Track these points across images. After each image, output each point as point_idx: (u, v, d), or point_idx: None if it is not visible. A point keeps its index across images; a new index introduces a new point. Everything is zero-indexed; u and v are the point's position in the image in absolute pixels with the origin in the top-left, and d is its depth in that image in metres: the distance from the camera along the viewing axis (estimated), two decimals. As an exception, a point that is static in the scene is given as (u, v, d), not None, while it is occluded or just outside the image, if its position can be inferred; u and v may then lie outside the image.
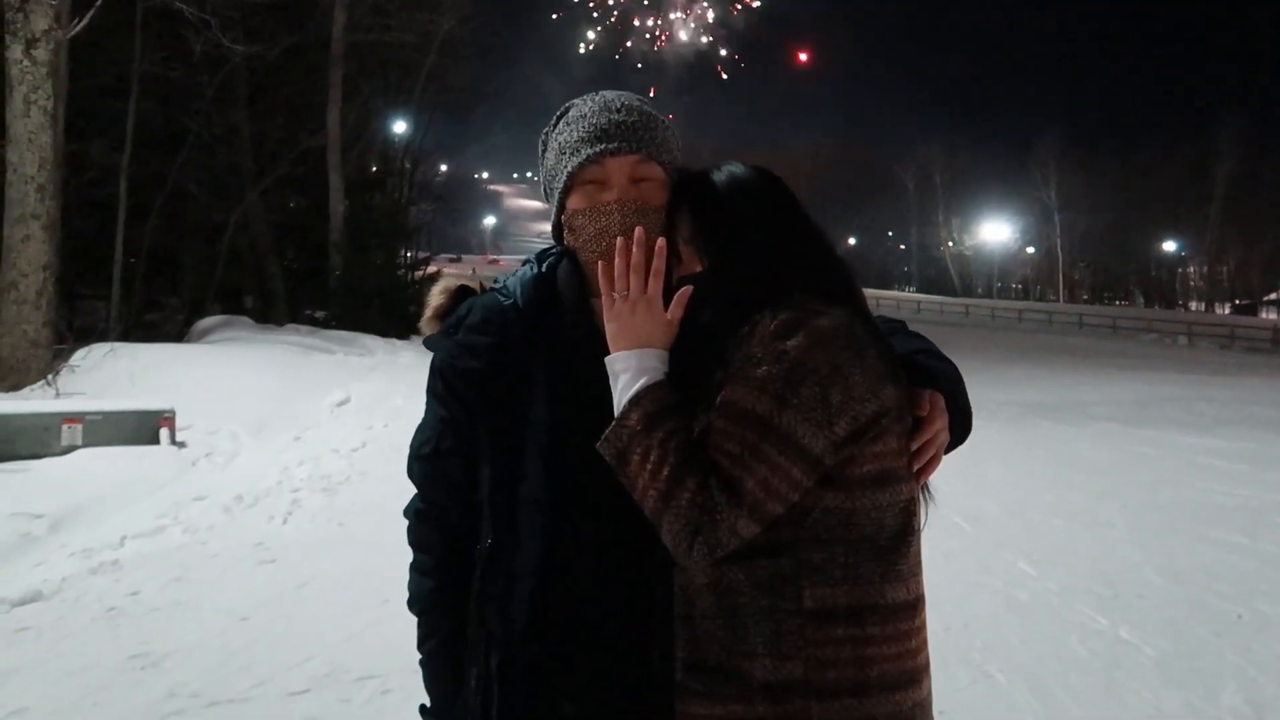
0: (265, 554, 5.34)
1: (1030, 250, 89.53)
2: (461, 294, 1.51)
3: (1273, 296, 72.96)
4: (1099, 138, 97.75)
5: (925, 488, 1.32)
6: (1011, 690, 3.57)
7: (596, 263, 1.31)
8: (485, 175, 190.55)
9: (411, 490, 1.50)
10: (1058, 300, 79.43)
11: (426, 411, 1.46)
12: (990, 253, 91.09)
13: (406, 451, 1.50)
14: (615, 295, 1.28)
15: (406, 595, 1.48)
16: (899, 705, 1.20)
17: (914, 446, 1.27)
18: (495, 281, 1.50)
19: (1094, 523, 6.27)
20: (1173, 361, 25.41)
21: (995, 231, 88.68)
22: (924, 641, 1.26)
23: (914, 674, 1.22)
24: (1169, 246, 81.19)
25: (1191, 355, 29.41)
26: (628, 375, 1.25)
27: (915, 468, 1.28)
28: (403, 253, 24.68)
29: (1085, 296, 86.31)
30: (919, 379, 1.32)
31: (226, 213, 19.35)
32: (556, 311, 1.41)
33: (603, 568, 1.34)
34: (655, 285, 1.27)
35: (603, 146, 1.35)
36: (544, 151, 1.46)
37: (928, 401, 1.29)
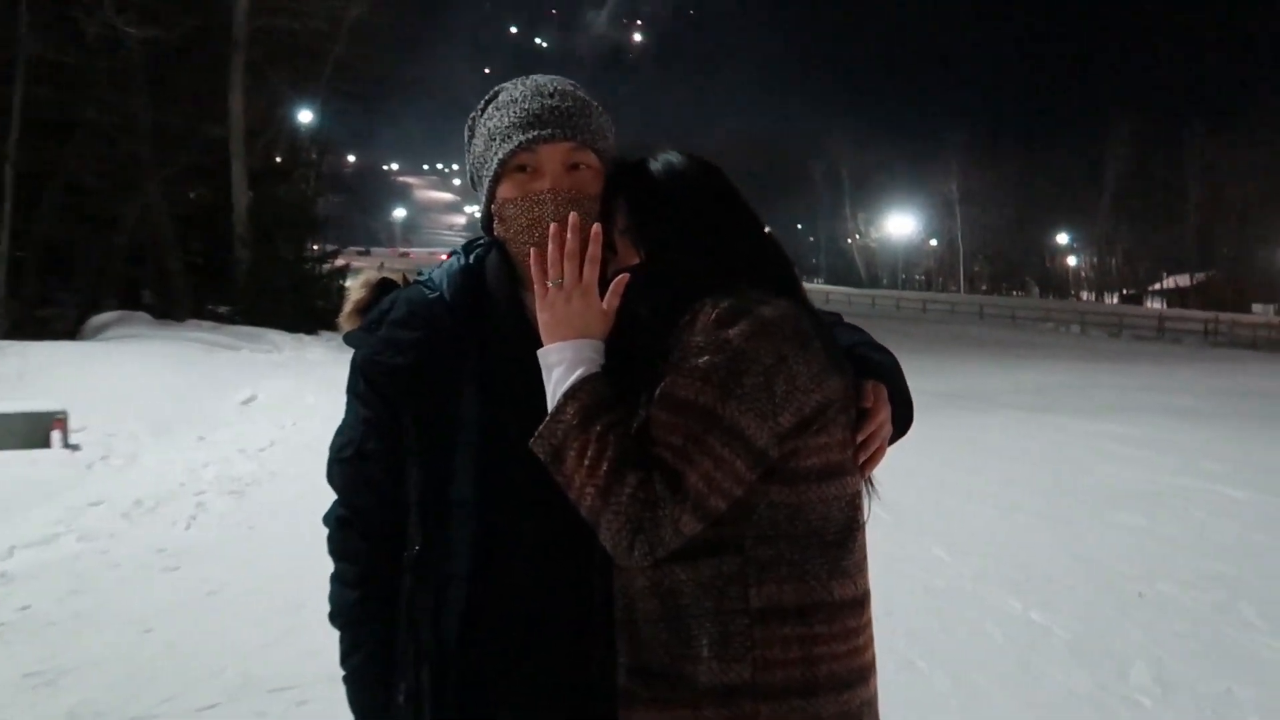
0: (169, 561, 5.10)
1: (933, 242, 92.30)
2: (383, 287, 1.43)
3: (1157, 287, 76.75)
4: (1000, 133, 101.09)
5: (869, 481, 1.30)
6: (933, 677, 3.64)
7: (529, 252, 1.25)
8: (395, 166, 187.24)
9: (330, 495, 1.41)
10: (959, 291, 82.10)
11: (347, 412, 1.38)
12: (895, 245, 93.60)
13: (318, 450, 1.41)
14: (549, 284, 1.22)
15: (327, 608, 1.40)
16: (847, 704, 1.18)
17: (859, 439, 1.24)
18: (419, 274, 1.42)
19: (1005, 507, 6.46)
20: (1068, 350, 26.51)
21: (900, 224, 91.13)
22: (870, 638, 1.24)
23: (862, 672, 1.20)
24: (1062, 239, 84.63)
25: (1084, 344, 30.70)
26: (562, 368, 1.19)
27: (860, 460, 1.25)
28: (310, 245, 23.96)
29: (984, 287, 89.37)
30: (861, 370, 1.30)
31: (125, 204, 18.50)
32: (485, 304, 1.34)
33: (539, 571, 1.29)
34: (591, 273, 1.21)
35: (535, 133, 1.28)
36: (471, 138, 1.39)
37: (871, 393, 1.27)
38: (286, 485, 6.80)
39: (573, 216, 1.22)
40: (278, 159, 25.94)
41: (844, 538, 1.21)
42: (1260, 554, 5.51)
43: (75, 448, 7.60)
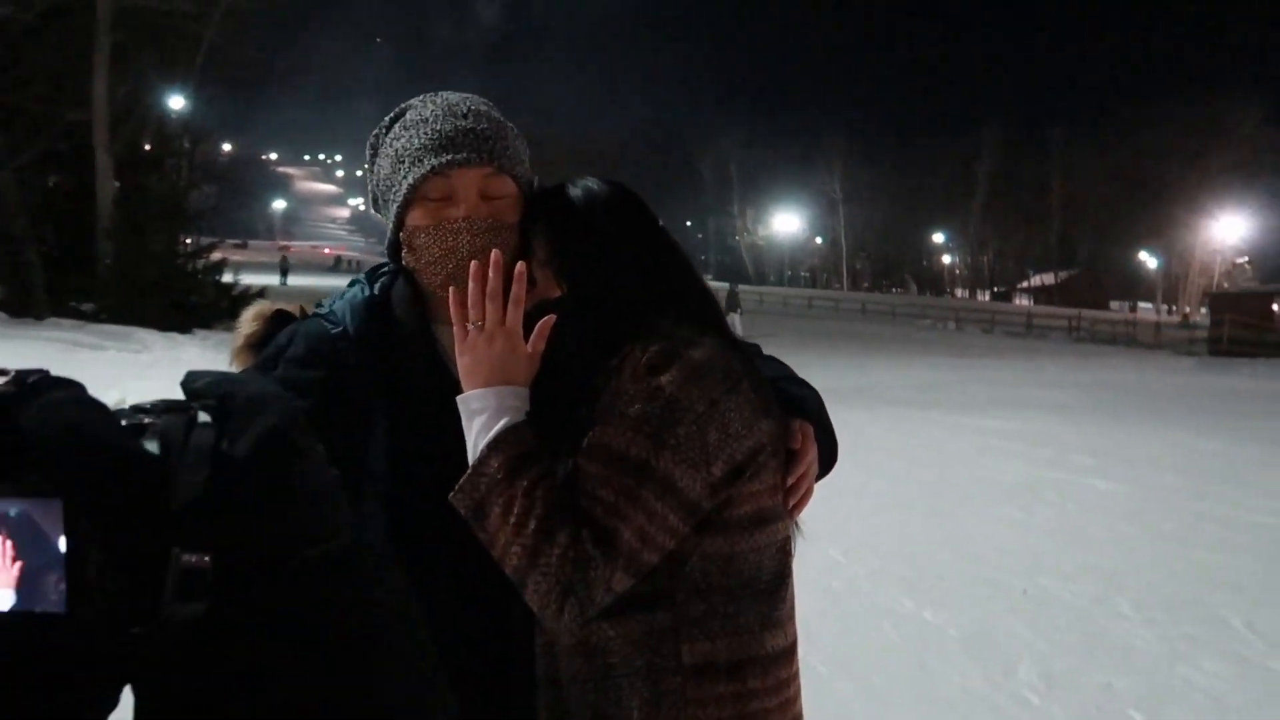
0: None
1: (818, 240, 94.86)
2: (279, 319, 1.30)
3: (1025, 284, 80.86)
4: (879, 136, 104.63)
5: (796, 523, 1.26)
6: (833, 681, 3.68)
7: (445, 287, 1.15)
8: (274, 156, 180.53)
9: None
10: (842, 288, 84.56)
11: None
12: (782, 242, 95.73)
13: None
14: (470, 325, 1.13)
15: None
16: None
17: (789, 482, 1.20)
18: (319, 305, 1.30)
19: (895, 505, 6.63)
20: (945, 345, 27.59)
21: (786, 222, 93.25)
22: (799, 688, 1.21)
23: None
24: (938, 238, 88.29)
25: (961, 339, 32.04)
26: (484, 416, 1.10)
27: (789, 504, 1.21)
28: (183, 239, 22.83)
29: (866, 284, 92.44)
30: (786, 408, 1.25)
31: (-29, 192, 17.19)
32: (393, 340, 1.24)
33: (455, 629, 1.19)
34: (515, 314, 1.13)
35: (449, 157, 1.19)
36: (374, 158, 1.28)
37: (799, 433, 1.23)
38: (159, 498, 6.42)
39: (495, 254, 1.13)
40: (146, 147, 24.59)
41: (776, 586, 1.17)
42: (1130, 545, 5.81)
43: (-82, 461, 6.99)
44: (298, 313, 1.31)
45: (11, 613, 0.47)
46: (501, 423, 1.09)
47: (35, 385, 0.49)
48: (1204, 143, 63.51)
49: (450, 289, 1.14)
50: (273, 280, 34.42)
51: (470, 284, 1.13)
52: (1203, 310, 48.24)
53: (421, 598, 1.17)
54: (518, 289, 1.13)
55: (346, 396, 1.19)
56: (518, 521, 1.04)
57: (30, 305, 17.92)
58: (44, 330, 14.84)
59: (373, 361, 1.22)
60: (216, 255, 22.50)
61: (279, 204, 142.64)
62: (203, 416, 0.53)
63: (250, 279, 24.36)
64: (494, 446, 1.08)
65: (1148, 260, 73.04)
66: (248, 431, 0.53)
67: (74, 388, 0.51)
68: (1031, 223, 79.03)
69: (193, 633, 0.48)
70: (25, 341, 13.03)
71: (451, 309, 1.13)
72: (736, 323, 25.34)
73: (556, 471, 1.10)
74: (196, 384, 0.56)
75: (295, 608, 0.52)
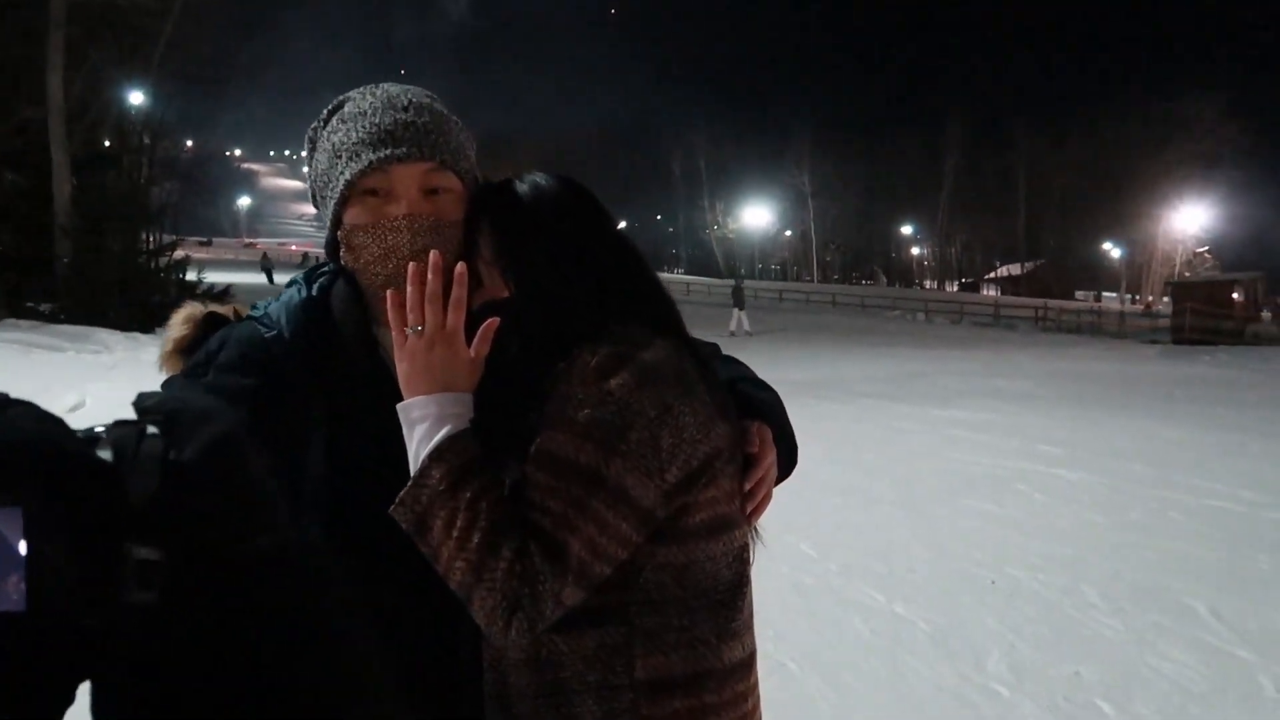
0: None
1: (788, 233, 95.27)
2: (210, 323, 1.24)
3: (992, 275, 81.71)
4: (847, 129, 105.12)
5: (754, 528, 1.22)
6: (804, 678, 3.65)
7: (383, 289, 1.10)
8: (238, 152, 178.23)
9: None
10: (813, 280, 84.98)
11: None
12: (752, 236, 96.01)
13: None
14: (408, 330, 1.07)
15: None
16: None
17: (746, 487, 1.16)
18: (254, 308, 1.24)
19: (866, 499, 6.63)
20: (915, 337, 27.76)
21: (756, 216, 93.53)
22: (758, 700, 1.17)
23: None
24: (907, 230, 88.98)
25: (930, 330, 32.25)
26: (426, 424, 1.05)
27: (748, 510, 1.17)
28: (144, 237, 22.43)
29: (836, 276, 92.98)
30: (744, 410, 1.21)
31: (-78, 191, 16.79)
32: (332, 344, 1.18)
33: (398, 644, 1.14)
34: (455, 318, 1.07)
35: (388, 151, 1.13)
36: (313, 151, 1.22)
37: (756, 436, 1.18)
38: (118, 503, 6.28)
39: (434, 255, 1.07)
40: (105, 144, 24.14)
41: (732, 595, 1.12)
42: (1097, 535, 5.84)
43: None
44: (231, 315, 1.25)
45: None
46: (443, 431, 1.04)
47: None
48: (1165, 135, 64.52)
49: (389, 293, 1.08)
50: (250, 279, 33.81)
51: (409, 287, 1.07)
52: (1165, 299, 48.95)
53: (365, 612, 1.12)
54: (458, 291, 1.07)
55: (282, 404, 1.13)
56: (461, 535, 0.99)
57: (-14, 306, 17.54)
58: (1, 332, 14.52)
59: (310, 367, 1.15)
60: (179, 254, 22.12)
61: (244, 201, 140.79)
62: (151, 429, 0.57)
63: (218, 277, 24.01)
64: (435, 457, 1.02)
65: (1111, 250, 74.06)
66: (194, 440, 0.58)
67: (31, 405, 0.57)
68: (997, 214, 79.87)
69: (146, 622, 0.53)
70: (-19, 344, 12.73)
71: (390, 313, 1.07)
72: (744, 320, 25.23)
73: (502, 482, 1.05)
74: (146, 403, 0.60)
75: (241, 597, 0.56)
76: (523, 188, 1.17)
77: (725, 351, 1.41)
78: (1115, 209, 67.82)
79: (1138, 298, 66.34)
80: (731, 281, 29.46)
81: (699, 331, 1.23)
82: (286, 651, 0.58)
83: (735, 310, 25.44)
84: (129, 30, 22.81)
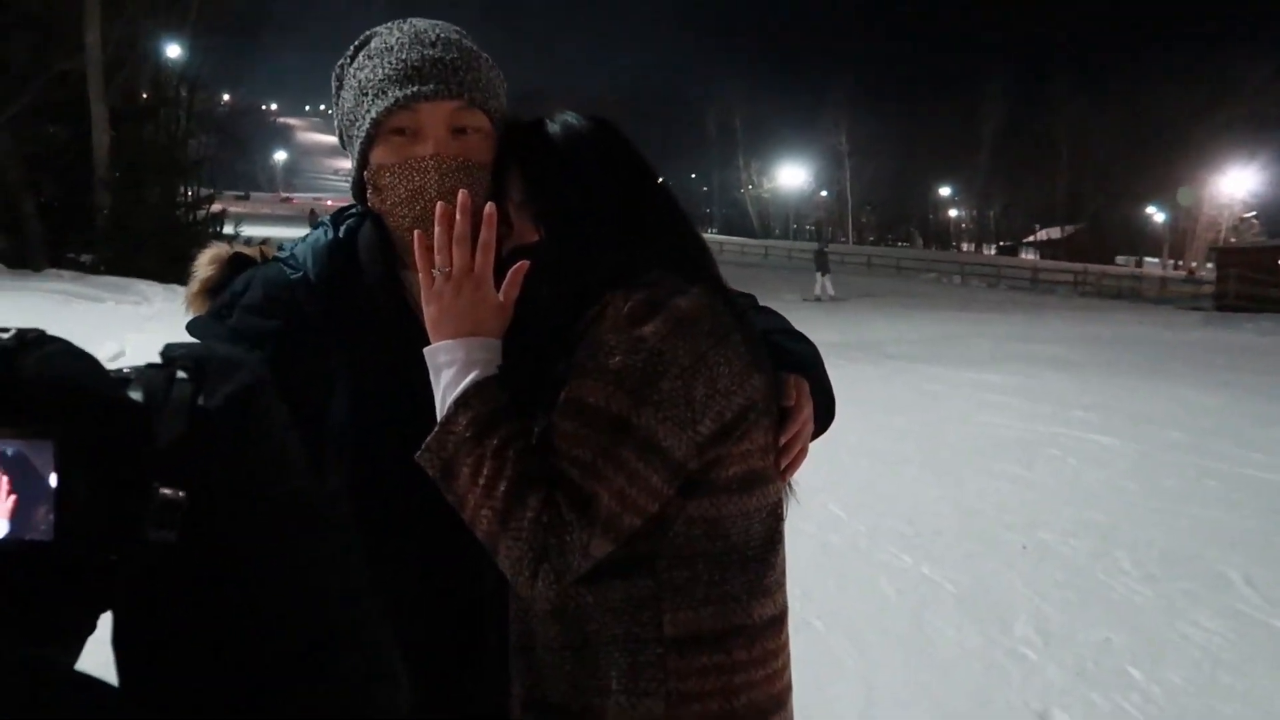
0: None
1: (824, 194, 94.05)
2: (236, 264, 1.23)
3: (1031, 239, 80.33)
4: (886, 87, 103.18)
5: (789, 485, 1.19)
6: (829, 637, 3.66)
7: (410, 231, 1.08)
8: (274, 107, 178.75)
9: None
10: (848, 241, 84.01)
11: None
12: (787, 196, 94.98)
13: None
14: (435, 272, 1.05)
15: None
16: None
17: (782, 441, 1.13)
18: (280, 250, 1.23)
19: (894, 461, 6.59)
20: (950, 300, 27.43)
21: (791, 175, 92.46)
22: (788, 658, 1.15)
23: (780, 696, 1.11)
24: (944, 191, 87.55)
25: (965, 294, 31.84)
26: (452, 370, 1.03)
27: (782, 465, 1.14)
28: (182, 190, 22.63)
29: (872, 238, 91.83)
30: (780, 363, 1.18)
31: (-35, 142, 16.99)
32: (358, 286, 1.17)
33: (424, 594, 1.14)
34: (484, 260, 1.05)
35: (415, 89, 1.09)
36: (339, 89, 1.19)
37: (793, 389, 1.16)
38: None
39: (462, 195, 1.05)
40: (143, 96, 24.27)
41: (765, 552, 1.10)
42: (1130, 501, 5.77)
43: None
44: (257, 256, 1.24)
45: (6, 540, 0.53)
46: (470, 377, 1.02)
47: (32, 340, 0.56)
48: (1212, 96, 62.61)
49: (416, 234, 1.05)
50: (287, 233, 33.95)
51: (436, 228, 1.04)
52: (1209, 265, 47.88)
53: (388, 560, 1.12)
54: (487, 233, 1.05)
55: (306, 346, 1.12)
56: (487, 483, 0.98)
57: (28, 257, 17.82)
58: (43, 282, 14.77)
59: (335, 309, 1.14)
60: (216, 207, 22.32)
61: (280, 155, 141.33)
62: (181, 374, 0.59)
63: (255, 230, 24.19)
64: (462, 403, 1.01)
65: (1154, 214, 72.42)
66: (222, 387, 0.60)
67: (65, 343, 0.58)
68: (1038, 177, 78.27)
69: (166, 558, 0.55)
70: (23, 293, 12.98)
71: (417, 255, 1.05)
72: (828, 285, 24.52)
73: (530, 430, 1.03)
74: (175, 352, 0.63)
75: (255, 541, 0.59)
76: (554, 128, 1.14)
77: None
78: (1159, 172, 66.16)
79: (1180, 263, 64.98)
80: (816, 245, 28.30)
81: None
82: (291, 595, 0.60)
83: (818, 275, 24.81)
84: (165, -19, 22.81)
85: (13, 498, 0.53)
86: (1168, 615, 4.02)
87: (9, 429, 0.53)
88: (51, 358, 0.56)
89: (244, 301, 1.15)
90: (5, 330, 0.56)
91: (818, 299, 23.49)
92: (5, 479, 0.54)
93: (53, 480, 0.53)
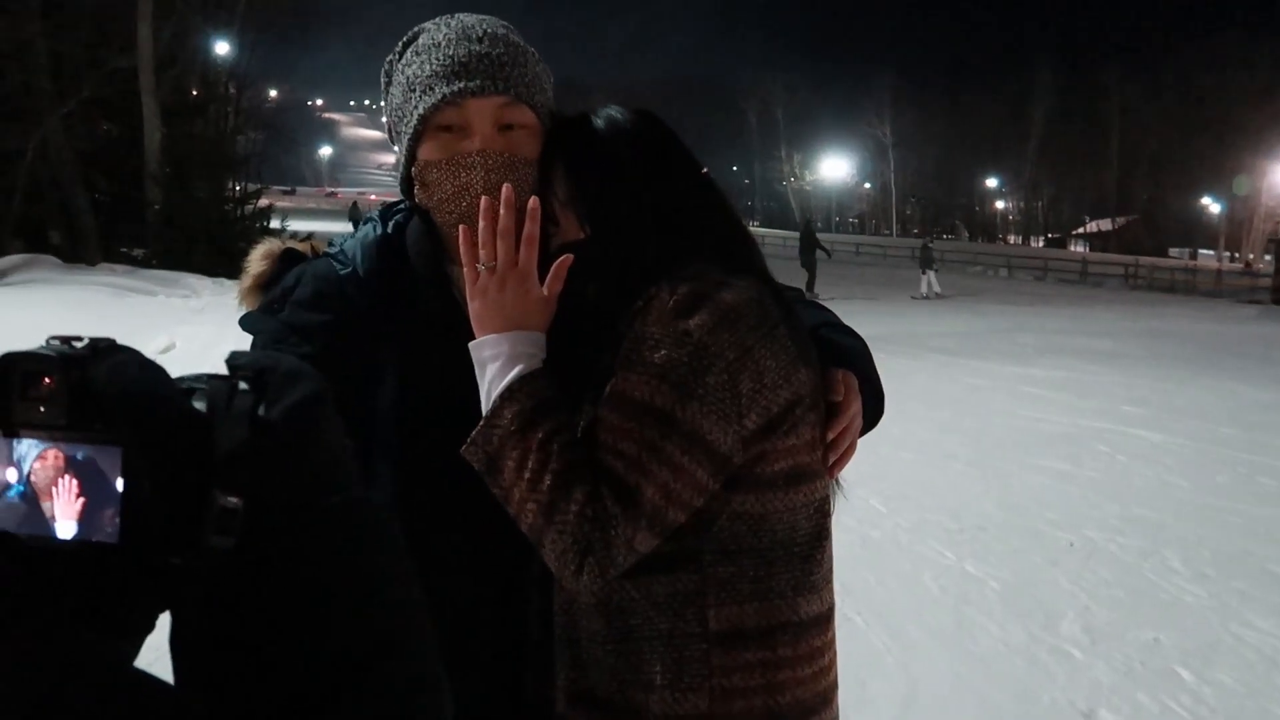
0: (79, 524, 4.84)
1: (866, 186, 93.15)
2: (287, 259, 1.25)
3: (1080, 231, 78.78)
4: (930, 77, 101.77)
5: (836, 481, 1.19)
6: (870, 633, 3.64)
7: (456, 226, 1.09)
8: (320, 102, 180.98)
9: None
10: (891, 234, 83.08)
11: None
12: (829, 188, 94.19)
13: None
14: (480, 267, 1.06)
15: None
16: None
17: (829, 437, 1.12)
18: (330, 245, 1.25)
19: (937, 455, 6.52)
20: (996, 293, 27.02)
21: (834, 167, 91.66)
22: (834, 656, 1.14)
23: (826, 694, 1.10)
24: (991, 183, 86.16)
25: (1012, 287, 31.35)
26: (497, 364, 1.04)
27: (830, 461, 1.14)
28: (230, 185, 23.02)
29: (915, 230, 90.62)
30: (828, 357, 1.17)
31: (22, 139, 17.42)
32: (406, 282, 1.18)
33: (469, 586, 1.15)
34: (528, 254, 1.06)
35: (462, 85, 1.10)
36: (388, 85, 1.20)
37: (841, 384, 1.15)
38: (206, 440, 6.52)
39: (506, 189, 1.06)
40: (193, 93, 24.73)
41: (812, 549, 1.09)
42: (1180, 499, 5.66)
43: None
44: (308, 252, 1.26)
45: (74, 541, 0.56)
46: (515, 371, 1.03)
47: (104, 349, 0.58)
48: (1270, 80, 60.86)
49: (460, 229, 1.07)
50: (332, 227, 34.40)
51: (480, 222, 1.05)
52: (1266, 257, 46.62)
53: (433, 552, 1.14)
54: (530, 227, 1.05)
55: (354, 341, 1.14)
56: (532, 477, 0.99)
57: (83, 251, 18.26)
58: (96, 275, 15.11)
59: (383, 304, 1.16)
60: (263, 201, 22.68)
61: (325, 150, 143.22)
62: (243, 385, 0.61)
63: (301, 225, 24.54)
64: (507, 397, 1.02)
65: (1210, 205, 70.64)
66: (282, 400, 0.61)
67: (135, 353, 0.61)
68: (1088, 167, 76.73)
69: (224, 563, 0.57)
70: (78, 287, 13.29)
71: (461, 250, 1.06)
72: (934, 281, 22.81)
73: (575, 423, 1.04)
74: (239, 361, 0.65)
75: (307, 548, 0.60)
76: (599, 122, 1.14)
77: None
78: (1215, 161, 64.50)
79: (1237, 255, 63.37)
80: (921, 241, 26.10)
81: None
82: (341, 604, 0.61)
83: (923, 273, 23.29)
84: (214, -21, 23.19)
85: (81, 500, 0.55)
86: (1220, 615, 3.94)
87: (81, 434, 0.55)
88: (122, 367, 0.58)
89: (295, 296, 1.17)
90: (79, 339, 0.58)
91: (925, 297, 22.00)
92: (75, 482, 0.56)
93: (119, 485, 0.55)
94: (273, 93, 42.42)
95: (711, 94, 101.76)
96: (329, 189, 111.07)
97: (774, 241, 51.63)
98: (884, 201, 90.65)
